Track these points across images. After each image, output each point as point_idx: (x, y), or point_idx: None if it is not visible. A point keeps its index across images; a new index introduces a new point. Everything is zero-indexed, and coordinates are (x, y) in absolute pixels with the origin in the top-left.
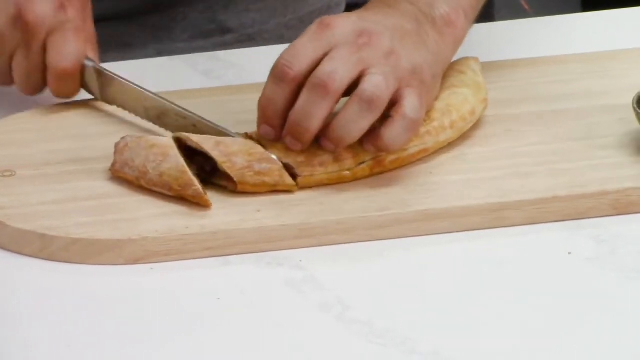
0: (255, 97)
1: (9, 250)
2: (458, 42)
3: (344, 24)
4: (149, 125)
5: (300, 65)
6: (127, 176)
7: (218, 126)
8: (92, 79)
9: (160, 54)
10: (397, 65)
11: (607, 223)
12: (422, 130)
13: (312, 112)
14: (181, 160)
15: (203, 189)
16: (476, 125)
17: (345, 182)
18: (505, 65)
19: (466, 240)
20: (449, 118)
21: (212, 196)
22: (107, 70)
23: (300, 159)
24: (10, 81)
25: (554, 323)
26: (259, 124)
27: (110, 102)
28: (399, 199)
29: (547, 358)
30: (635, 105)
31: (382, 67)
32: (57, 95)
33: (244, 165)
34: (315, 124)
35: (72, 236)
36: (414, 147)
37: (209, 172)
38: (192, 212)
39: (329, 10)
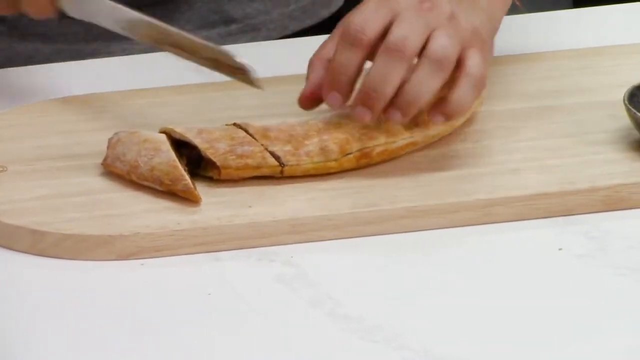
0: (248, 92)
1: (0, 247)
2: (508, 3)
3: None
4: (139, 122)
5: (372, 30)
6: (118, 170)
7: (189, 35)
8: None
9: None
10: (459, 27)
11: (598, 219)
12: (411, 123)
13: (388, 77)
14: (172, 155)
15: (193, 184)
16: (467, 121)
17: (331, 173)
18: (497, 62)
19: (457, 236)
20: None
21: (203, 192)
22: None
23: (287, 147)
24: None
25: (544, 319)
26: (327, 91)
27: (79, 16)
28: (389, 195)
29: (538, 353)
30: (626, 102)
31: (446, 29)
32: (35, 16)
33: (226, 149)
34: (390, 89)
35: (63, 232)
36: (402, 140)
37: (196, 162)
38: (184, 207)
39: (329, 0)
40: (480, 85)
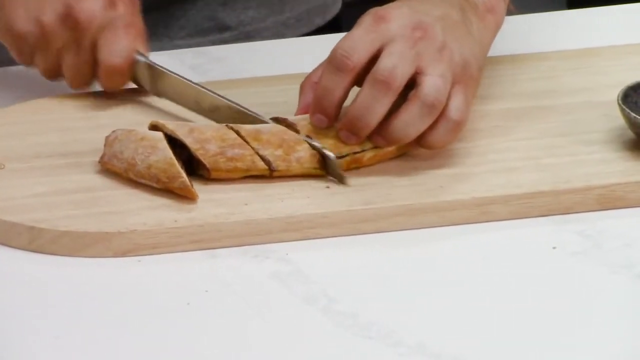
0: (242, 92)
1: None
2: (498, 28)
3: (399, 16)
4: (137, 120)
5: (359, 56)
6: (115, 168)
7: (265, 120)
8: (143, 73)
9: (158, 51)
10: (451, 60)
11: (592, 218)
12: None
13: (373, 108)
14: (169, 153)
15: (190, 182)
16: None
17: (320, 177)
18: (491, 62)
19: (452, 234)
20: None
21: (200, 189)
22: (159, 65)
23: (278, 152)
24: (58, 76)
25: (538, 316)
26: (313, 113)
27: (160, 95)
28: (384, 193)
29: (532, 350)
30: (620, 102)
31: (438, 66)
32: (107, 89)
33: (216, 151)
34: (375, 119)
35: (60, 229)
36: (367, 154)
37: (186, 160)
38: (180, 205)
39: (325, 8)
40: (457, 128)
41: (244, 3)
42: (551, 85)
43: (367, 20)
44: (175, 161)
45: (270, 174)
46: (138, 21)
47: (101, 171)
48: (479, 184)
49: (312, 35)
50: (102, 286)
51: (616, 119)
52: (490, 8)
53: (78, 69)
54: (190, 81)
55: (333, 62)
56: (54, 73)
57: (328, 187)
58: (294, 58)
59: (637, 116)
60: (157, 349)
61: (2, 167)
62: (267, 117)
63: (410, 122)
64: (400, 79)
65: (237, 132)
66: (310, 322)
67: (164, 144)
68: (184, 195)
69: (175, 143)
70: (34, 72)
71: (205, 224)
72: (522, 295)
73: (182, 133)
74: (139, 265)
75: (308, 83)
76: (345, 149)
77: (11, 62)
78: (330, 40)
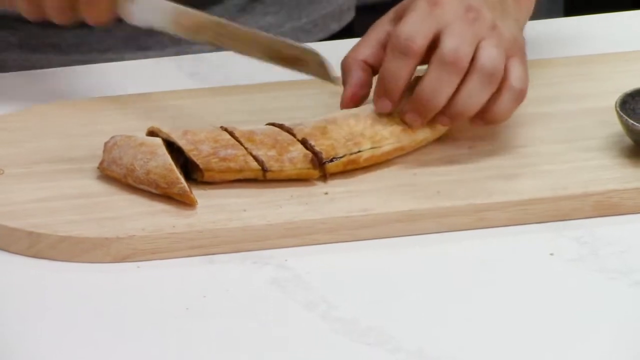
0: (241, 98)
1: None
2: (531, 11)
3: (451, 0)
4: (136, 126)
5: (422, 39)
6: (114, 174)
7: (250, 29)
8: (125, 5)
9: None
10: (502, 37)
11: (589, 224)
12: (398, 128)
13: (441, 88)
14: (168, 159)
15: (189, 187)
16: (461, 127)
17: (313, 178)
18: None
19: (450, 240)
20: None
21: (198, 195)
22: None
23: (271, 152)
24: (41, 14)
25: (535, 323)
26: (377, 98)
27: (141, 23)
28: (382, 199)
29: (530, 356)
30: (618, 108)
31: (492, 40)
32: (93, 23)
33: (209, 152)
34: (443, 100)
35: (59, 234)
36: (389, 145)
37: (184, 165)
38: (179, 210)
39: (340, 13)
40: (521, 97)
41: (262, 9)
42: (549, 92)
43: (421, 5)
44: (174, 167)
45: (263, 175)
46: None
47: (100, 177)
48: (477, 190)
49: (327, 40)
50: (101, 291)
51: (614, 125)
52: None
53: (59, 3)
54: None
55: (397, 47)
56: (36, 11)
57: (326, 194)
58: None
59: (635, 123)
60: (155, 354)
61: (2, 172)
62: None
63: (472, 93)
64: (465, 59)
65: (231, 133)
66: (309, 327)
67: (163, 150)
68: (182, 201)
69: (172, 148)
70: (33, 78)
71: (204, 229)
72: (520, 301)
73: (176, 135)
74: (137, 270)
75: (354, 62)
76: (342, 150)
77: (10, 69)
78: (342, 46)
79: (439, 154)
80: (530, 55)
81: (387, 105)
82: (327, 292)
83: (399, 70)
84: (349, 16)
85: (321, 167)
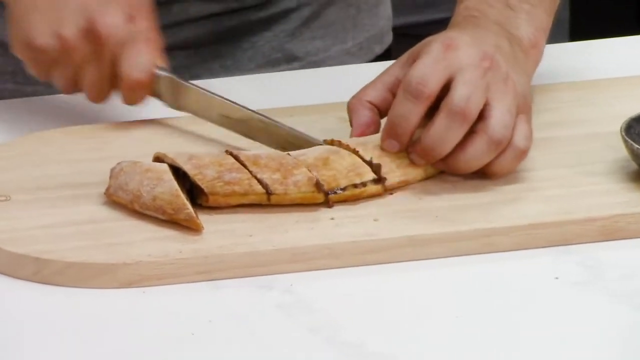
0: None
1: (3, 274)
2: (538, 63)
3: (466, 44)
4: (142, 152)
5: (433, 85)
6: (120, 200)
7: (302, 134)
8: (164, 87)
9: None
10: (514, 91)
11: (594, 248)
12: (406, 161)
13: (447, 137)
14: (175, 185)
15: (195, 213)
16: None
17: (317, 203)
18: None
19: (455, 265)
20: None
21: (205, 221)
22: (181, 79)
23: (275, 176)
24: (76, 90)
25: (541, 346)
26: (385, 138)
27: (182, 109)
28: (388, 224)
29: None
30: (623, 133)
31: (505, 99)
32: (128, 104)
33: (214, 176)
34: (448, 148)
35: (66, 260)
36: (395, 178)
37: (189, 190)
38: (185, 236)
39: (382, 36)
40: (522, 156)
41: (310, 33)
42: (554, 117)
43: (436, 48)
44: (181, 193)
45: (267, 198)
46: (157, 35)
47: (106, 202)
48: (483, 215)
49: (370, 63)
50: (107, 317)
51: (619, 150)
52: (535, 44)
53: (98, 83)
54: (215, 94)
55: (409, 90)
56: (72, 87)
57: (332, 219)
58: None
59: None
60: None
61: (8, 198)
62: (297, 129)
63: (476, 156)
64: (475, 110)
65: (236, 157)
66: (314, 352)
67: (169, 176)
68: (189, 227)
69: (179, 173)
70: (40, 104)
71: (210, 255)
72: (525, 324)
73: (181, 160)
74: (143, 295)
75: (359, 103)
76: (343, 181)
77: (15, 94)
78: (381, 67)
79: (444, 179)
80: (536, 80)
81: (394, 146)
82: (332, 316)
83: (409, 114)
84: (389, 39)
85: (325, 195)
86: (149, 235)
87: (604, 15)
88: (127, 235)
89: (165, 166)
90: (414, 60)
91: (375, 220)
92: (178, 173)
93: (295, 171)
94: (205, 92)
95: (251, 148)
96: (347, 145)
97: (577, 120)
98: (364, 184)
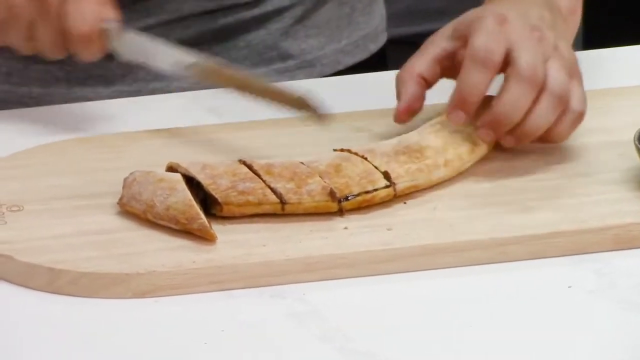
0: (260, 133)
1: (16, 284)
2: (576, 28)
3: (515, 18)
4: (155, 162)
5: (499, 54)
6: (134, 210)
7: (249, 75)
8: (115, 41)
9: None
10: (563, 57)
11: (608, 257)
12: (414, 167)
13: (520, 104)
14: (188, 194)
15: (209, 223)
16: (480, 161)
17: (331, 212)
18: None
19: (469, 274)
20: (443, 157)
21: (218, 230)
22: (133, 30)
23: (290, 185)
24: (34, 49)
25: (555, 355)
26: (452, 109)
27: (134, 60)
28: (402, 233)
29: None
30: (636, 142)
31: (558, 62)
32: (83, 59)
33: (228, 185)
34: (520, 115)
35: (79, 270)
36: (404, 183)
37: (203, 200)
38: (199, 246)
39: (376, 35)
40: (580, 119)
41: (304, 32)
42: None
43: (490, 22)
44: (194, 202)
45: (281, 208)
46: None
47: (119, 212)
48: (497, 224)
49: (365, 62)
50: (121, 327)
51: (633, 159)
52: (573, 10)
53: (50, 40)
54: (169, 44)
55: (478, 59)
56: (29, 47)
57: (346, 228)
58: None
59: None
60: None
61: (21, 208)
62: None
63: (543, 113)
64: (542, 75)
65: (250, 167)
66: None
67: (183, 186)
68: (202, 237)
69: (192, 183)
70: (52, 114)
71: (224, 265)
72: (539, 333)
73: (195, 170)
74: (156, 305)
75: (410, 76)
76: (356, 188)
77: (57, 102)
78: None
79: (458, 188)
80: None
81: (461, 117)
82: (344, 325)
83: (479, 82)
84: (384, 37)
85: (338, 202)
86: (162, 245)
87: (618, 23)
88: (140, 245)
89: (178, 176)
90: (461, 34)
91: (389, 229)
92: (191, 182)
93: (309, 180)
94: (154, 40)
95: (266, 157)
96: (356, 152)
97: (591, 129)
98: (375, 190)
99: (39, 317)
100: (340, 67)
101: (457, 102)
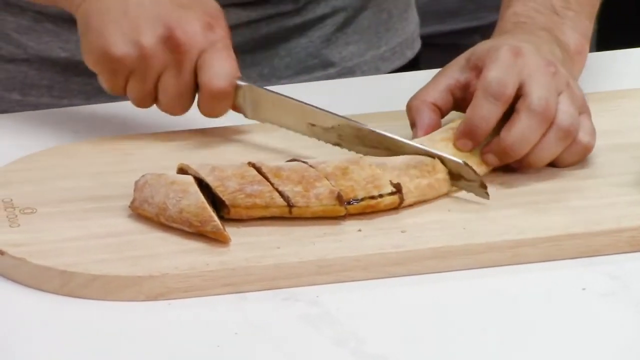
0: (271, 135)
1: (29, 287)
2: (581, 70)
3: (530, 52)
4: (166, 164)
5: (512, 87)
6: (146, 213)
7: (390, 136)
8: (243, 98)
9: None
10: (575, 94)
11: (621, 259)
12: (424, 182)
13: (528, 137)
14: (201, 197)
15: (222, 224)
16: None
17: (339, 216)
18: None
19: (482, 276)
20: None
21: (231, 233)
22: (264, 88)
23: (297, 188)
24: (152, 102)
25: (568, 357)
26: (460, 137)
27: (264, 120)
28: (415, 236)
29: None
30: None
31: (569, 97)
32: (208, 115)
33: (235, 188)
34: (528, 148)
35: (92, 272)
36: (412, 198)
37: (212, 202)
38: (212, 248)
39: (412, 41)
40: (586, 152)
41: (344, 39)
42: None
43: (505, 55)
44: (207, 205)
45: (289, 211)
46: (232, 45)
47: (131, 215)
48: (510, 227)
49: (403, 68)
50: (134, 329)
51: None
52: (580, 50)
53: (178, 93)
54: (300, 101)
55: (490, 92)
56: (148, 99)
57: (360, 230)
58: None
59: None
60: None
61: (34, 211)
62: (390, 134)
63: (549, 147)
64: (554, 110)
65: (259, 170)
66: None
67: (195, 188)
68: (215, 239)
69: (202, 185)
70: (63, 116)
71: (237, 267)
72: (553, 336)
73: (204, 172)
74: (169, 308)
75: (423, 104)
76: (361, 192)
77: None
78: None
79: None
80: None
81: (469, 146)
82: (357, 328)
83: (489, 114)
84: (418, 44)
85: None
86: (175, 248)
87: (631, 25)
88: (153, 247)
89: (190, 178)
90: (474, 65)
91: (402, 232)
92: (201, 184)
93: (317, 183)
94: (290, 99)
95: (277, 159)
96: (370, 164)
97: (604, 131)
98: (380, 196)
99: (52, 319)
100: (379, 73)
101: (466, 131)
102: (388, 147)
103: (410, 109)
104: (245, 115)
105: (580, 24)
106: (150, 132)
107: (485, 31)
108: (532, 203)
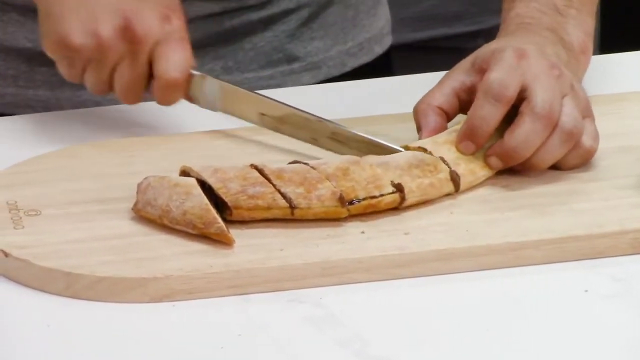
0: (276, 137)
1: (33, 289)
2: (586, 69)
3: (535, 54)
4: (169, 166)
5: (513, 89)
6: (149, 215)
7: (345, 129)
8: (197, 87)
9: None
10: (579, 97)
11: (623, 261)
12: (426, 181)
13: (533, 140)
14: (204, 199)
15: (226, 226)
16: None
17: (341, 218)
18: None
19: (485, 278)
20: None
21: (235, 234)
22: (218, 78)
23: (299, 190)
24: (108, 90)
25: (571, 359)
26: (462, 139)
27: (216, 109)
28: (419, 238)
29: None
30: None
31: (573, 100)
32: (162, 104)
33: (238, 190)
34: (532, 151)
35: (97, 274)
36: (413, 198)
37: (215, 203)
38: (216, 250)
39: (382, 37)
40: (590, 156)
41: (309, 34)
42: None
43: (509, 57)
44: (211, 207)
45: (291, 212)
46: (187, 35)
47: (135, 217)
48: (513, 229)
49: (370, 64)
50: (138, 331)
51: None
52: (585, 49)
53: (133, 83)
54: (254, 91)
55: (491, 93)
56: (104, 87)
57: (363, 232)
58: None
59: None
60: None
61: (38, 213)
62: (342, 125)
63: (552, 149)
64: (557, 114)
65: (261, 171)
66: None
67: (198, 190)
68: (219, 241)
69: (204, 187)
70: (68, 118)
71: (241, 269)
72: (555, 338)
73: (206, 174)
74: (173, 309)
75: (429, 107)
76: (362, 193)
77: (17, 98)
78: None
79: (474, 193)
80: None
81: (471, 148)
82: (361, 330)
83: (490, 116)
84: (389, 40)
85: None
86: (179, 250)
87: (634, 27)
88: (157, 249)
89: (193, 180)
90: (479, 67)
91: (406, 234)
92: (204, 186)
93: (319, 185)
94: (241, 89)
95: (280, 162)
96: (371, 164)
97: (607, 133)
98: (382, 195)
99: (56, 321)
100: (346, 69)
101: (467, 133)
102: (338, 139)
103: (417, 113)
104: (199, 105)
105: (582, 22)
106: (153, 134)
107: (489, 34)
108: (535, 205)
